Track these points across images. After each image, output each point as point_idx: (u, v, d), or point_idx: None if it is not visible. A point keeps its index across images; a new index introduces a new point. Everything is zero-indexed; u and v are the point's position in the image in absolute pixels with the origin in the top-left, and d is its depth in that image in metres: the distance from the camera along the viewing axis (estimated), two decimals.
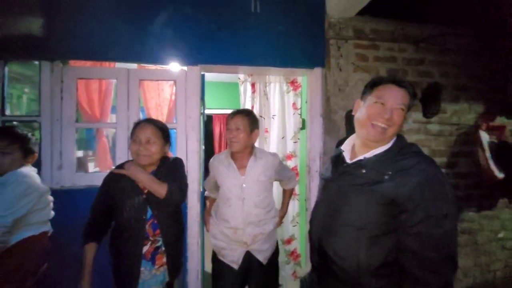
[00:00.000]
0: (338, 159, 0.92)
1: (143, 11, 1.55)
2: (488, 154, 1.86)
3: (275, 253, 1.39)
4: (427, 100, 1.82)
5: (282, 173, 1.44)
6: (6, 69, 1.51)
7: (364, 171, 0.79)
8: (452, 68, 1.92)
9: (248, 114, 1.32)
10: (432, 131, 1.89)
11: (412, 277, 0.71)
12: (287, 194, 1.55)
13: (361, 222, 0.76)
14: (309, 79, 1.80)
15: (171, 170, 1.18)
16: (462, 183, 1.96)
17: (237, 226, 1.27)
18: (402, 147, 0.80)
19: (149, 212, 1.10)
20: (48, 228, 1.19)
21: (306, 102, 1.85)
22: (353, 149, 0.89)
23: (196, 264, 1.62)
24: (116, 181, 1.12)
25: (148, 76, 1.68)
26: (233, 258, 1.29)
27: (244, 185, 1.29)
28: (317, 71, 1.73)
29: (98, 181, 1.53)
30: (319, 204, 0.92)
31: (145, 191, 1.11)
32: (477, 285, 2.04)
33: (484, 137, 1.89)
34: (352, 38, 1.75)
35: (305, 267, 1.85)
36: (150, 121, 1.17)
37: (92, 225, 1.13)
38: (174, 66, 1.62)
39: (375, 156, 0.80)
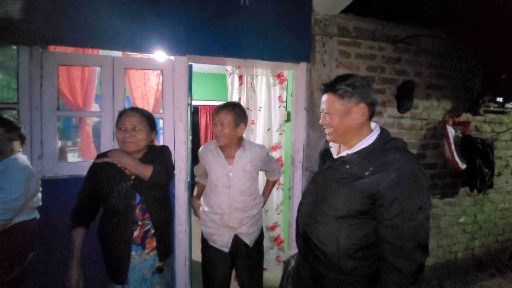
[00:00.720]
0: (326, 153, 1.00)
1: None
2: (453, 147, 2.06)
3: (261, 236, 1.48)
4: (402, 97, 1.96)
5: (268, 164, 1.51)
6: None
7: (347, 166, 0.86)
8: (425, 68, 2.07)
9: (233, 109, 1.33)
10: (405, 125, 2.06)
11: (387, 264, 0.78)
12: (270, 185, 1.62)
13: (343, 212, 0.83)
14: (294, 73, 1.86)
15: (156, 155, 1.20)
16: (428, 173, 2.15)
17: (224, 211, 1.34)
18: (385, 143, 0.85)
19: (138, 197, 1.13)
20: (37, 214, 1.19)
21: (292, 95, 1.92)
22: (340, 145, 0.96)
23: (184, 251, 1.67)
24: (102, 168, 1.13)
25: (134, 65, 1.66)
26: (223, 242, 1.36)
27: (230, 174, 1.35)
28: (303, 65, 1.80)
29: (81, 171, 1.53)
30: (306, 194, 1.00)
31: (132, 177, 1.14)
32: (439, 265, 2.28)
33: (451, 131, 2.08)
34: (336, 35, 1.83)
35: (288, 252, 1.97)
36: (135, 109, 1.19)
37: (79, 210, 1.14)
38: (161, 56, 1.61)
39: (357, 152, 0.87)
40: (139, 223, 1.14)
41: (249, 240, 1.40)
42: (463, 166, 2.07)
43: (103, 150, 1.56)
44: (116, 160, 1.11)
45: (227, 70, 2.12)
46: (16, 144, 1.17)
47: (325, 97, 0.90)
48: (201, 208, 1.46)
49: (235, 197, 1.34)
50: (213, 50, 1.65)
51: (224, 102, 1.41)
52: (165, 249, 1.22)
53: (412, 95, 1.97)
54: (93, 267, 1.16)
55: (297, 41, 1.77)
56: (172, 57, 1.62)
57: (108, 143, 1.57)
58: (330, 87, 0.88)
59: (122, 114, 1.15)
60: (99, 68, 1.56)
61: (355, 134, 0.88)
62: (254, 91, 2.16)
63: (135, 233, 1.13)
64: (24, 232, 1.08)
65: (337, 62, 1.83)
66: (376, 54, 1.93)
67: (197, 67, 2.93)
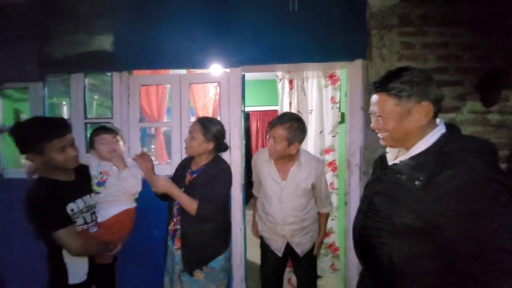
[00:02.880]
0: (382, 160, 0.90)
1: (191, 23, 1.74)
2: None
3: (312, 248, 1.46)
4: (486, 88, 1.63)
5: (319, 182, 1.37)
6: (86, 80, 1.86)
7: (399, 176, 0.75)
8: None
9: (288, 127, 1.23)
10: (492, 121, 1.69)
11: None
12: (323, 219, 1.49)
13: (394, 227, 0.72)
14: (349, 72, 1.78)
15: (213, 179, 1.21)
16: None
17: (277, 222, 1.36)
18: (447, 143, 0.69)
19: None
20: (135, 204, 1.37)
21: (346, 95, 1.84)
22: (400, 150, 0.85)
23: (239, 249, 1.77)
24: (180, 166, 1.37)
25: (197, 80, 1.88)
26: (277, 247, 1.41)
27: (283, 190, 1.33)
28: (358, 63, 1.71)
29: (157, 172, 1.80)
30: (361, 201, 0.93)
31: (187, 183, 1.28)
32: None
33: None
34: (396, 26, 1.66)
35: (344, 261, 1.86)
36: (199, 119, 1.32)
37: None
38: (218, 69, 1.78)
39: (412, 158, 0.73)
40: (174, 219, 1.27)
41: (300, 250, 1.40)
42: None
43: (174, 155, 1.81)
44: (165, 189, 1.18)
45: (277, 76, 2.18)
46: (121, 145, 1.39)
47: (375, 98, 0.78)
48: (258, 212, 1.53)
49: (288, 212, 1.33)
50: (264, 59, 1.73)
51: (282, 113, 1.37)
52: (190, 260, 1.20)
53: (500, 85, 1.62)
54: None
55: (351, 39, 1.69)
56: (228, 69, 1.77)
57: (177, 148, 1.81)
58: (381, 86, 0.76)
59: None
60: (169, 85, 1.83)
61: (417, 138, 0.75)
62: (305, 94, 2.15)
63: (170, 226, 1.28)
64: (129, 217, 1.29)
65: (398, 55, 1.66)
66: (449, 41, 1.67)
67: (248, 74, 3.09)
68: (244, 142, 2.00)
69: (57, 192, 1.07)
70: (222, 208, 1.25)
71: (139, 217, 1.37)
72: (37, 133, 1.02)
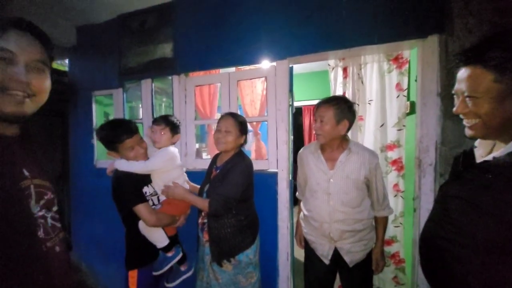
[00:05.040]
0: (468, 155, 0.71)
1: (237, 23, 1.77)
2: None
3: (367, 261, 1.27)
4: None
5: (374, 180, 1.22)
6: (153, 84, 2.13)
7: (490, 176, 0.57)
8: None
9: (334, 104, 1.20)
10: None
11: None
12: (381, 224, 1.28)
13: (475, 244, 0.57)
14: (421, 51, 1.46)
15: (228, 174, 1.22)
16: None
17: (323, 220, 1.24)
18: None
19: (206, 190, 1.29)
20: None
21: (416, 80, 1.52)
22: (495, 144, 0.65)
23: (286, 246, 1.72)
24: (210, 162, 1.45)
25: (244, 76, 1.90)
26: (323, 252, 1.27)
27: (331, 180, 1.22)
28: (433, 39, 1.39)
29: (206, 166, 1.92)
30: (433, 207, 0.77)
31: (212, 176, 1.31)
32: None
33: None
34: None
35: (411, 277, 1.57)
36: (230, 114, 1.32)
37: None
38: (265, 64, 1.75)
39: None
40: (202, 213, 1.29)
41: (349, 259, 1.22)
42: None
43: None
44: (176, 195, 1.24)
45: (329, 65, 1.99)
46: (176, 137, 1.47)
47: (465, 72, 0.61)
48: (301, 213, 1.42)
49: (336, 207, 1.20)
50: (313, 47, 1.60)
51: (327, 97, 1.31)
52: (216, 252, 1.23)
53: None
54: None
55: (422, 10, 1.39)
56: (274, 63, 1.71)
57: None
58: (475, 56, 0.59)
59: (221, 118, 1.34)
60: (220, 84, 1.92)
61: None
62: (362, 82, 1.89)
63: (199, 219, 1.31)
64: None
65: (491, 24, 1.26)
66: None
67: (299, 67, 2.96)
68: (292, 137, 1.92)
69: (136, 177, 1.25)
70: (238, 203, 1.22)
71: None
72: (110, 136, 1.21)
